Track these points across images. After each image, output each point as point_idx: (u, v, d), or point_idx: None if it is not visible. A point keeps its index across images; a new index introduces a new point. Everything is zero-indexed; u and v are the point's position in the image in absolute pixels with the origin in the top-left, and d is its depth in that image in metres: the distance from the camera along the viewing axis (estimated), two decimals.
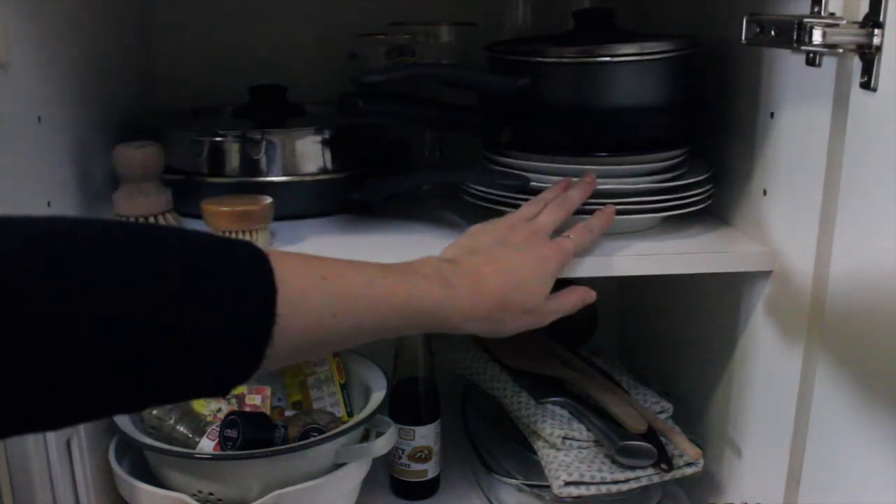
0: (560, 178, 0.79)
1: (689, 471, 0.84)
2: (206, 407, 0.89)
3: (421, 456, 0.95)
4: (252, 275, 0.47)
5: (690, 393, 0.95)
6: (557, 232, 0.72)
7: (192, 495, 0.78)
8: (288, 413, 0.94)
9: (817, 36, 0.60)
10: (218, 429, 0.81)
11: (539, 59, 0.79)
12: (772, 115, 0.76)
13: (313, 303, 0.50)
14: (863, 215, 0.61)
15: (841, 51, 0.61)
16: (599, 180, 0.78)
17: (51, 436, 0.71)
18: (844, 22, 0.61)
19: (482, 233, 0.70)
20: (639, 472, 0.83)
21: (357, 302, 0.54)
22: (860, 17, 0.59)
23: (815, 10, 0.64)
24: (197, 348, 0.44)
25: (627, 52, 0.77)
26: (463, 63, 0.94)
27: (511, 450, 0.94)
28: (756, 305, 0.80)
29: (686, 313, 0.98)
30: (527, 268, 0.65)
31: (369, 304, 0.55)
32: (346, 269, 0.54)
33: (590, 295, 0.71)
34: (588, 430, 0.86)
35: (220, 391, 0.47)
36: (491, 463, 0.93)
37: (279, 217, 0.81)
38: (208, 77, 1.06)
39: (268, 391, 0.91)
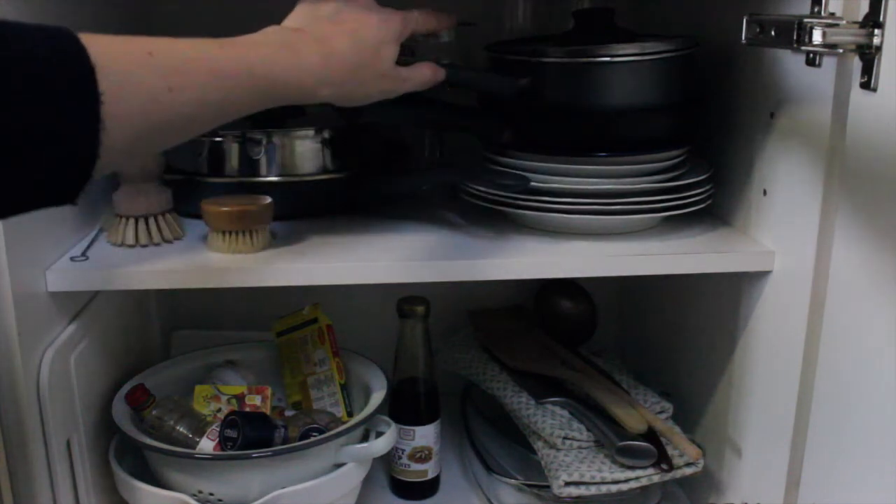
0: (560, 178, 0.79)
1: (689, 471, 0.84)
2: (207, 407, 0.89)
3: (421, 456, 0.95)
4: (62, 56, 0.45)
5: (690, 393, 0.95)
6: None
7: (192, 495, 0.78)
8: (288, 413, 0.94)
9: (817, 36, 0.60)
10: (218, 429, 0.81)
11: (539, 59, 0.79)
12: (772, 115, 0.76)
13: (142, 78, 0.47)
14: (863, 215, 0.61)
15: (841, 51, 0.61)
16: (599, 180, 0.78)
17: (51, 435, 0.71)
18: (844, 22, 0.61)
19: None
20: (639, 472, 0.83)
21: (194, 74, 0.51)
22: (860, 17, 0.59)
23: (815, 10, 0.64)
24: (20, 146, 0.42)
25: (627, 52, 0.77)
26: (463, 63, 0.94)
27: (511, 450, 0.94)
28: (756, 305, 0.80)
29: (686, 313, 0.98)
30: (373, 28, 0.64)
31: (208, 75, 0.52)
32: (174, 43, 0.51)
33: (440, 72, 0.71)
34: (588, 430, 0.86)
35: (66, 192, 0.45)
36: (491, 463, 0.93)
37: (279, 217, 0.81)
38: None
39: (268, 391, 0.91)
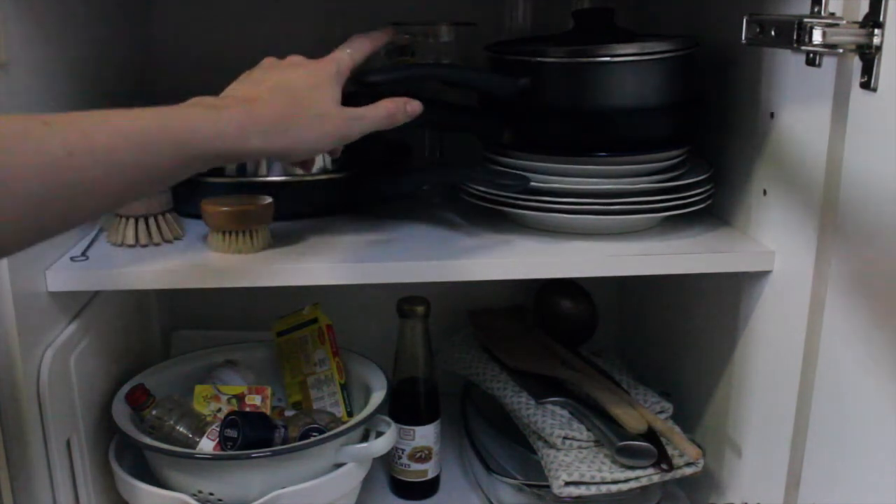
0: (560, 178, 0.79)
1: (689, 471, 0.84)
2: (207, 407, 0.89)
3: (421, 456, 0.95)
4: None
5: (690, 393, 0.95)
6: None
7: (192, 495, 0.78)
8: (288, 413, 0.94)
9: (817, 36, 0.60)
10: (218, 429, 0.81)
11: (539, 59, 0.79)
12: (772, 115, 0.76)
13: (36, 142, 0.46)
14: (863, 215, 0.61)
15: (841, 51, 0.61)
16: (599, 180, 0.78)
17: (51, 435, 0.71)
18: (844, 22, 0.61)
19: (252, 70, 0.68)
20: (639, 472, 0.83)
21: (100, 136, 0.50)
22: (860, 17, 0.59)
23: (815, 10, 0.64)
24: None
25: (627, 52, 0.77)
26: (463, 63, 0.94)
27: (511, 450, 0.94)
28: (756, 305, 0.80)
29: (686, 313, 0.98)
30: (301, 77, 0.62)
31: (116, 136, 0.51)
32: (78, 113, 0.51)
33: (411, 106, 0.67)
34: (588, 430, 0.86)
35: None
36: (491, 463, 0.93)
37: (279, 217, 0.81)
38: (208, 77, 1.05)
39: (268, 391, 0.91)
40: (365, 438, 0.87)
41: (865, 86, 0.59)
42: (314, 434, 0.81)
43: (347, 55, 0.66)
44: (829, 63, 0.65)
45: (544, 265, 0.77)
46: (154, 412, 0.84)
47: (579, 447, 0.85)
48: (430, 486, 0.98)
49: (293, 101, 0.60)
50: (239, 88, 0.62)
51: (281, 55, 1.06)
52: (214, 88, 1.04)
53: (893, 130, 0.57)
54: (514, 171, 0.80)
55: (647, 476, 0.83)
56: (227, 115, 0.56)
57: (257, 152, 0.58)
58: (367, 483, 0.89)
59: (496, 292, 1.13)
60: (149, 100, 1.05)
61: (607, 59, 0.78)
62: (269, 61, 0.66)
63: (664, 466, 0.82)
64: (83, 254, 0.77)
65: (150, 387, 0.86)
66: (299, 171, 0.82)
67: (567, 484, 0.81)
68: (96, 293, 0.82)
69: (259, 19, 1.07)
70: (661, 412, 0.90)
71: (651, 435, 0.84)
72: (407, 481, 0.96)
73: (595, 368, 0.96)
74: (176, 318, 1.12)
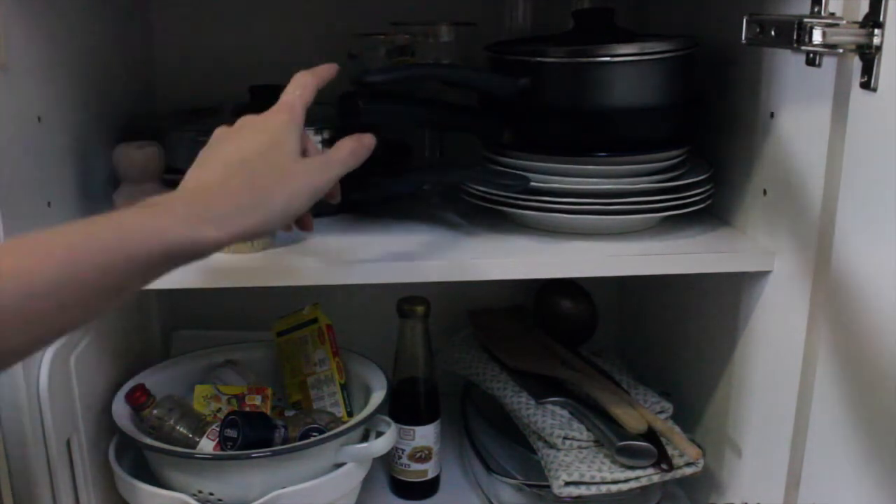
0: (560, 178, 0.79)
1: (689, 471, 0.84)
2: (207, 407, 0.89)
3: (421, 456, 0.95)
4: None
5: (690, 393, 0.95)
6: None
7: (192, 495, 0.78)
8: (288, 413, 0.94)
9: (817, 36, 0.60)
10: (218, 429, 0.81)
11: (539, 59, 0.79)
12: (772, 115, 0.76)
13: None
14: (862, 215, 0.61)
15: (841, 51, 0.61)
16: (599, 180, 0.78)
17: (51, 435, 0.71)
18: (844, 22, 0.61)
19: (206, 147, 0.62)
20: (639, 472, 0.83)
21: (45, 256, 0.46)
22: (860, 17, 0.59)
23: (815, 10, 0.64)
24: None
25: (627, 52, 0.77)
26: (463, 63, 0.94)
27: (511, 450, 0.94)
28: (756, 305, 0.80)
29: (686, 313, 0.98)
30: (253, 141, 0.57)
31: (65, 268, 0.46)
32: (24, 236, 0.47)
33: (367, 139, 0.63)
34: (588, 430, 0.86)
35: None
36: (491, 463, 0.93)
37: None
38: (208, 77, 1.06)
39: (268, 391, 0.91)
40: (365, 438, 0.87)
41: (865, 86, 0.59)
42: (314, 434, 0.81)
43: (298, 97, 0.61)
44: (829, 63, 0.65)
45: (544, 265, 0.77)
46: (154, 412, 0.84)
47: (579, 447, 0.85)
48: (430, 486, 0.98)
49: (248, 175, 0.54)
50: (191, 176, 0.57)
51: (281, 55, 1.06)
52: (214, 88, 1.05)
53: (893, 130, 0.57)
54: (514, 171, 0.80)
55: (647, 476, 0.83)
56: (173, 213, 0.51)
57: (220, 242, 0.51)
58: (367, 483, 0.89)
59: (496, 292, 1.13)
60: (149, 100, 1.06)
61: (607, 59, 0.78)
62: (218, 133, 0.61)
63: (664, 466, 0.82)
64: None
65: (150, 387, 0.86)
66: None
67: (567, 484, 0.81)
68: None
69: (259, 20, 1.07)
70: (661, 412, 0.90)
71: (651, 435, 0.84)
72: (407, 481, 0.96)
73: (595, 368, 0.96)
74: (176, 318, 1.12)
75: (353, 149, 0.62)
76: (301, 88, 0.62)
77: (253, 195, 0.54)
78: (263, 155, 0.56)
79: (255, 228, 0.54)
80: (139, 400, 0.84)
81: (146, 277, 0.50)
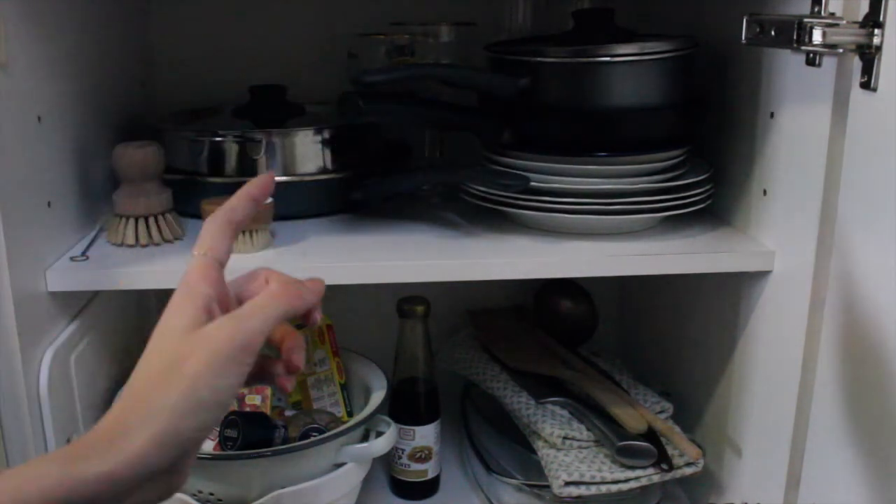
0: (560, 178, 0.79)
1: (689, 471, 0.84)
2: None
3: (421, 456, 0.95)
4: None
5: (690, 393, 0.95)
6: None
7: (192, 495, 0.78)
8: (288, 413, 0.94)
9: (817, 36, 0.60)
10: (218, 429, 0.81)
11: (539, 59, 0.79)
12: (772, 115, 0.76)
13: None
14: (862, 215, 0.61)
15: (841, 51, 0.61)
16: (599, 180, 0.78)
17: (50, 435, 0.71)
18: (844, 22, 0.61)
19: None
20: (639, 472, 0.83)
21: None
22: (860, 17, 0.59)
23: (815, 10, 0.64)
24: None
25: (627, 52, 0.77)
26: (463, 63, 0.94)
27: (511, 450, 0.94)
28: (756, 305, 0.80)
29: (686, 313, 0.98)
30: (147, 360, 0.44)
31: None
32: None
33: (304, 289, 0.50)
34: (588, 430, 0.86)
35: None
36: (491, 463, 0.93)
37: (279, 217, 0.81)
38: (208, 77, 1.06)
39: (268, 391, 0.91)
40: (365, 438, 0.87)
41: (865, 86, 0.59)
42: (314, 434, 0.81)
43: (194, 258, 0.48)
44: (829, 63, 0.65)
45: (544, 265, 0.77)
46: None
47: (579, 447, 0.85)
48: (430, 486, 0.98)
49: (132, 384, 0.43)
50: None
51: (281, 55, 1.07)
52: (214, 88, 1.05)
53: (893, 130, 0.57)
54: (514, 171, 0.80)
55: (647, 476, 0.83)
56: (51, 457, 0.42)
57: (113, 473, 0.40)
58: (367, 483, 0.89)
59: (496, 292, 1.13)
60: (149, 100, 1.06)
61: (607, 59, 0.78)
62: None
63: (664, 466, 0.82)
64: (83, 254, 0.77)
65: None
66: (298, 172, 0.80)
67: (567, 484, 0.81)
68: (96, 293, 0.82)
69: (259, 20, 1.07)
70: (661, 412, 0.90)
71: (651, 435, 0.84)
72: (407, 481, 0.96)
73: (595, 368, 0.96)
74: None
75: (282, 295, 0.47)
76: (200, 241, 0.49)
77: (141, 399, 0.42)
78: (149, 351, 0.44)
79: (155, 439, 0.41)
80: None
81: None
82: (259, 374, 0.50)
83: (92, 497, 0.40)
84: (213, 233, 0.49)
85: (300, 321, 0.50)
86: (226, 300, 0.48)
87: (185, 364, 0.42)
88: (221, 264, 0.48)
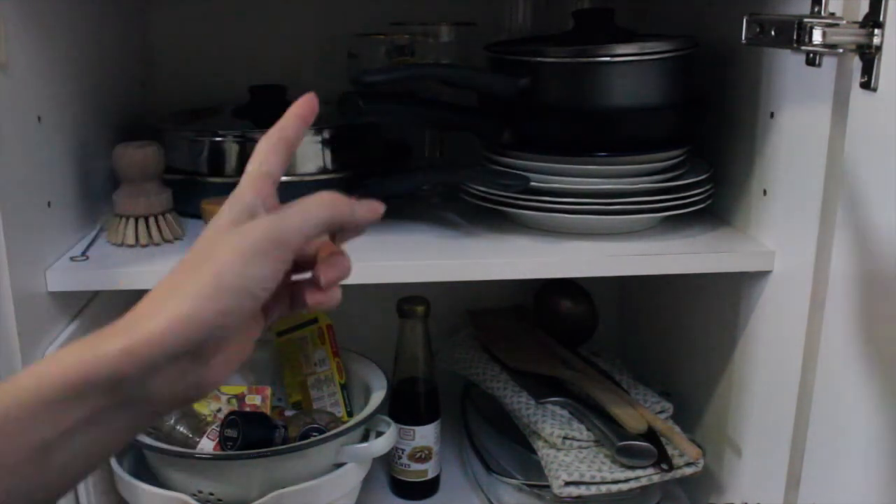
0: (560, 178, 0.79)
1: (689, 471, 0.84)
2: (207, 407, 0.89)
3: (421, 456, 0.95)
4: None
5: (690, 393, 0.95)
6: None
7: (192, 495, 0.78)
8: (288, 413, 0.94)
9: (817, 36, 0.60)
10: (218, 429, 0.81)
11: (539, 59, 0.79)
12: (772, 115, 0.76)
13: None
14: (862, 215, 0.61)
15: (841, 51, 0.61)
16: (599, 180, 0.78)
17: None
18: (844, 22, 0.61)
19: None
20: (639, 472, 0.83)
21: None
22: (860, 17, 0.59)
23: (815, 10, 0.64)
24: None
25: (627, 52, 0.77)
26: (463, 63, 0.94)
27: (511, 450, 0.94)
28: (756, 305, 0.80)
29: (686, 313, 0.98)
30: (182, 259, 0.44)
31: None
32: None
33: (358, 203, 0.49)
34: (588, 430, 0.86)
35: None
36: (491, 463, 0.93)
37: None
38: (208, 77, 1.06)
39: (268, 391, 0.91)
40: (365, 438, 0.87)
41: (865, 86, 0.59)
42: (314, 434, 0.81)
43: (247, 172, 0.49)
44: (829, 63, 0.65)
45: (544, 265, 0.77)
46: None
47: (579, 447, 0.85)
48: (430, 486, 0.98)
49: (168, 276, 0.43)
50: None
51: (281, 55, 1.07)
52: (214, 88, 1.05)
53: (893, 130, 0.57)
54: (514, 171, 0.80)
55: (647, 476, 0.83)
56: (107, 335, 0.41)
57: (128, 348, 0.40)
58: (367, 483, 0.89)
59: (496, 292, 1.13)
60: (149, 100, 1.06)
61: (607, 59, 0.78)
62: None
63: (664, 466, 0.82)
64: (83, 254, 0.77)
65: None
66: (297, 172, 0.79)
67: (567, 484, 0.81)
68: (96, 293, 0.82)
69: (259, 20, 1.07)
70: (661, 412, 0.90)
71: (651, 435, 0.84)
72: (407, 481, 0.96)
73: (595, 368, 0.96)
74: None
75: (330, 201, 0.47)
76: (253, 157, 0.50)
77: (168, 287, 0.42)
78: (192, 249, 0.45)
79: (177, 319, 0.40)
80: None
81: (59, 423, 0.40)
82: (293, 291, 0.49)
83: (110, 375, 0.40)
84: (265, 149, 0.50)
85: (351, 233, 0.49)
86: (275, 212, 0.47)
87: (215, 253, 0.43)
88: (273, 178, 0.49)
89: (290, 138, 0.51)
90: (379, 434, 0.86)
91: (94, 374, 0.40)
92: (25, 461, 0.39)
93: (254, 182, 0.48)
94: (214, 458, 0.79)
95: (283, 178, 0.89)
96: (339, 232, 0.49)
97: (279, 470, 0.78)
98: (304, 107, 0.52)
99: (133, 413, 0.42)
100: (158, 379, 0.41)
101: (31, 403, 0.39)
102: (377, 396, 0.88)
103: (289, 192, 0.89)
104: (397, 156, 0.98)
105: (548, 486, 0.83)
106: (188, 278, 0.42)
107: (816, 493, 0.70)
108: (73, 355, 0.40)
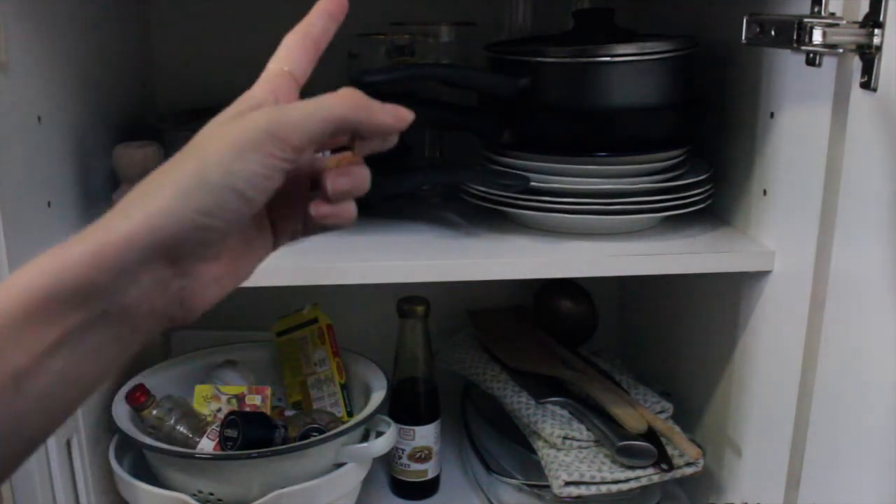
0: (560, 178, 0.79)
1: (689, 471, 0.84)
2: (207, 407, 0.89)
3: (421, 456, 0.95)
4: None
5: (690, 393, 0.95)
6: None
7: (192, 495, 0.78)
8: (288, 413, 0.94)
9: (817, 36, 0.60)
10: (218, 429, 0.81)
11: (539, 59, 0.79)
12: (772, 115, 0.76)
13: None
14: (862, 215, 0.61)
15: (841, 51, 0.61)
16: (599, 180, 0.78)
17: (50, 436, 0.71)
18: (844, 22, 0.61)
19: None
20: (639, 472, 0.83)
21: None
22: (860, 17, 0.59)
23: (815, 10, 0.64)
24: None
25: (627, 52, 0.77)
26: (463, 63, 0.94)
27: (511, 450, 0.94)
28: (756, 305, 0.80)
29: (686, 313, 0.98)
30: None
31: None
32: None
33: (385, 105, 0.42)
34: (588, 430, 0.86)
35: None
36: (491, 463, 0.93)
37: None
38: (208, 77, 1.06)
39: (268, 391, 0.91)
40: (365, 438, 0.87)
41: (865, 86, 0.59)
42: (314, 434, 0.81)
43: (272, 61, 0.45)
44: (829, 63, 0.65)
45: (544, 265, 0.77)
46: (154, 412, 0.84)
47: (579, 447, 0.85)
48: (430, 486, 0.98)
49: (177, 156, 0.38)
50: None
51: None
52: (214, 88, 1.05)
53: (893, 130, 0.57)
54: (514, 171, 0.80)
55: (647, 476, 0.83)
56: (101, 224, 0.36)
57: (132, 232, 0.35)
58: (367, 483, 0.89)
59: (496, 292, 1.13)
60: (149, 100, 1.06)
61: (607, 59, 0.78)
62: None
63: (664, 466, 0.82)
64: None
65: (150, 387, 0.86)
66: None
67: (567, 484, 0.81)
68: None
69: (259, 20, 1.06)
70: (661, 412, 0.90)
71: (651, 435, 0.84)
72: (407, 481, 0.96)
73: (595, 368, 0.96)
74: None
75: (345, 97, 0.40)
76: (276, 54, 0.45)
77: (147, 184, 0.37)
78: (186, 145, 0.39)
79: (149, 217, 0.35)
80: (139, 400, 0.84)
81: (28, 346, 0.35)
82: (296, 193, 0.43)
83: (77, 283, 0.35)
84: (288, 45, 0.45)
85: (373, 143, 0.42)
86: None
87: (204, 144, 0.37)
88: (294, 77, 0.43)
89: (316, 35, 0.45)
90: (379, 434, 0.86)
91: (59, 285, 0.35)
92: None
93: (270, 78, 0.42)
94: (214, 458, 0.79)
95: None
96: (360, 140, 0.42)
97: (279, 470, 0.78)
98: (332, 2, 0.46)
99: (111, 332, 0.37)
100: (133, 288, 0.36)
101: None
102: (377, 396, 0.88)
103: None
104: (397, 156, 0.98)
105: (548, 486, 0.83)
106: (169, 174, 0.37)
107: (816, 493, 0.70)
108: (37, 269, 0.35)
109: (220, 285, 0.40)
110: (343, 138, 0.41)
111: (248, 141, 0.37)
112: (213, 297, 0.40)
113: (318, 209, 0.41)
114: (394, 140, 0.43)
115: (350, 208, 0.42)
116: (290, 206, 0.42)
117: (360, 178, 0.42)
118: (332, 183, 0.41)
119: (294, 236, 0.44)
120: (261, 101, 0.40)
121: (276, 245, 0.43)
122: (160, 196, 0.36)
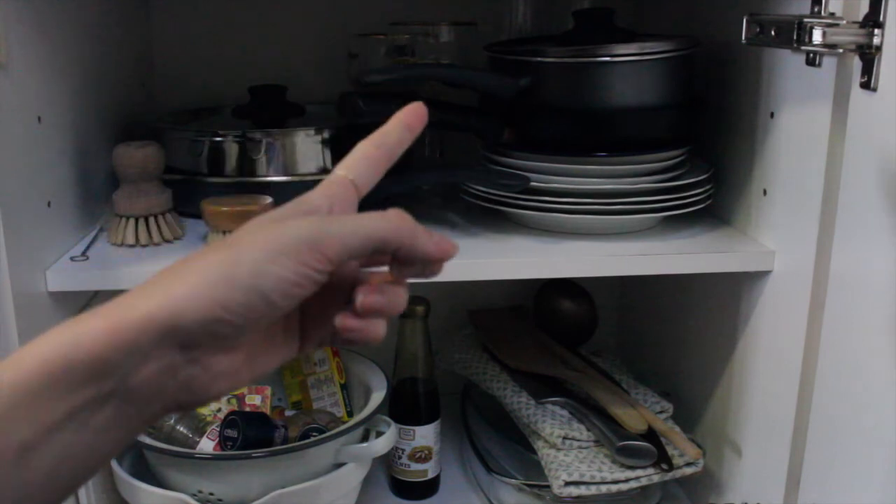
0: (560, 178, 0.79)
1: (689, 471, 0.84)
2: (207, 407, 0.89)
3: (421, 456, 0.95)
4: None
5: (690, 393, 0.95)
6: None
7: (192, 495, 0.78)
8: (288, 413, 0.94)
9: (817, 36, 0.60)
10: (218, 429, 0.81)
11: (539, 59, 0.79)
12: (772, 115, 0.76)
13: None
14: (862, 215, 0.61)
15: (841, 51, 0.61)
16: (599, 180, 0.78)
17: None
18: (844, 22, 0.61)
19: None
20: (639, 472, 0.83)
21: None
22: (860, 17, 0.59)
23: (815, 10, 0.64)
24: None
25: (627, 52, 0.77)
26: (463, 63, 0.94)
27: (511, 450, 0.94)
28: (756, 305, 0.80)
29: (686, 313, 0.98)
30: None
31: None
32: None
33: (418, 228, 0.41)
34: (588, 430, 0.86)
35: None
36: (491, 463, 0.93)
37: None
38: (208, 77, 1.06)
39: (268, 391, 0.91)
40: (365, 438, 0.87)
41: (865, 86, 0.59)
42: (314, 434, 0.81)
43: (336, 170, 0.44)
44: (829, 63, 0.65)
45: (544, 265, 0.77)
46: None
47: (579, 447, 0.85)
48: (430, 486, 0.98)
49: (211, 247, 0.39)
50: None
51: (281, 55, 1.07)
52: (214, 88, 1.05)
53: (893, 130, 0.57)
54: (514, 171, 0.80)
55: (647, 476, 0.83)
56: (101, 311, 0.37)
57: (152, 315, 0.36)
58: (367, 483, 0.89)
59: (496, 292, 1.13)
60: (149, 100, 1.06)
61: (607, 59, 0.78)
62: None
63: (664, 466, 0.82)
64: (83, 254, 0.77)
65: None
66: (298, 172, 0.79)
67: (567, 484, 0.81)
68: (96, 293, 0.82)
69: (259, 20, 1.07)
70: (661, 412, 0.90)
71: (651, 435, 0.84)
72: (407, 481, 0.96)
73: (595, 368, 0.96)
74: None
75: (391, 219, 0.40)
76: (345, 159, 0.45)
77: (177, 267, 0.38)
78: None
79: (168, 300, 0.36)
80: None
81: (37, 419, 0.35)
82: (333, 303, 0.41)
83: (91, 359, 0.35)
84: (357, 154, 0.45)
85: (412, 269, 0.42)
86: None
87: (242, 241, 0.37)
88: (356, 186, 0.43)
89: (390, 144, 0.45)
90: (379, 434, 0.86)
91: (73, 359, 0.35)
92: (3, 464, 0.35)
93: (332, 184, 0.43)
94: (214, 458, 0.79)
95: (284, 178, 0.90)
96: (398, 264, 0.41)
97: (279, 470, 0.78)
98: (411, 114, 0.46)
99: (117, 412, 0.36)
100: (143, 369, 0.36)
101: (5, 398, 0.35)
102: (377, 396, 0.88)
103: (289, 191, 0.89)
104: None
105: (548, 486, 0.83)
106: (198, 261, 0.37)
107: (816, 493, 0.70)
108: (51, 341, 0.35)
109: (233, 378, 0.39)
110: (385, 258, 0.40)
111: (285, 245, 0.36)
112: (223, 389, 0.39)
113: (343, 321, 0.40)
114: (437, 271, 0.43)
115: (378, 327, 0.40)
116: (324, 314, 0.41)
117: (395, 298, 0.41)
118: (364, 297, 0.40)
119: (322, 344, 0.44)
120: (316, 206, 0.41)
121: (301, 350, 0.43)
122: (185, 282, 0.36)
